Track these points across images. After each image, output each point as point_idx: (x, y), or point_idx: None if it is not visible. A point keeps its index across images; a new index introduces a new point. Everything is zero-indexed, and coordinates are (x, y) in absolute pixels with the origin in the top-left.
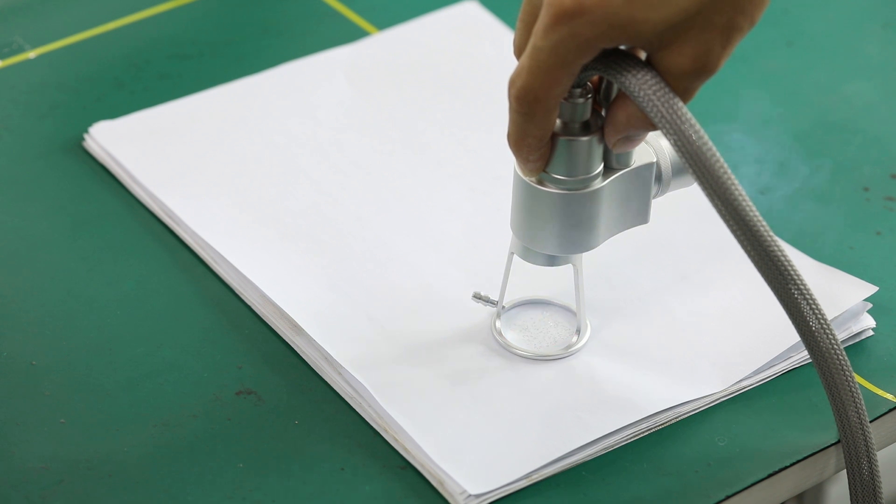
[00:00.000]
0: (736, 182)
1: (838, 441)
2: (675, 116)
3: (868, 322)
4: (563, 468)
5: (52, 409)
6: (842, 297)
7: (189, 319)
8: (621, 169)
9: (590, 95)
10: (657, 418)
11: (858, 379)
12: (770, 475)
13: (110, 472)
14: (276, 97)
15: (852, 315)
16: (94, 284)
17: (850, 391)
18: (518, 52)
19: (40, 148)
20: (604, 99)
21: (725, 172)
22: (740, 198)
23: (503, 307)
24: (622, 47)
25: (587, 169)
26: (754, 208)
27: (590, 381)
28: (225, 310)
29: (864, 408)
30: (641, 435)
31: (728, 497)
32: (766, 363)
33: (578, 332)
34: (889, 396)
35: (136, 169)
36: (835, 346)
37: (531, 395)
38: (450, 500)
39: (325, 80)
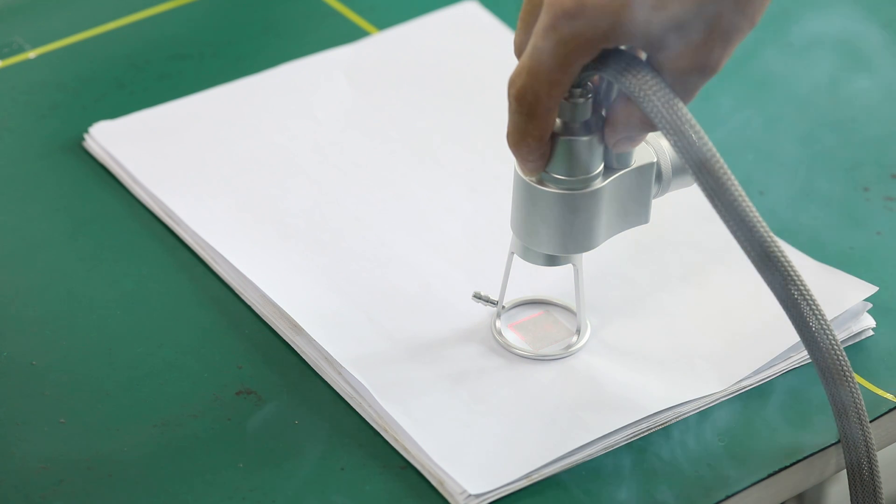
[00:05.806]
0: (736, 182)
1: (838, 441)
2: (675, 117)
3: (868, 322)
4: (563, 468)
5: (52, 409)
6: (842, 297)
7: (189, 319)
8: (621, 169)
9: (590, 95)
10: (657, 418)
11: (858, 379)
12: (770, 475)
13: (110, 472)
14: (276, 97)
15: (852, 315)
16: (94, 284)
17: (850, 391)
18: (518, 52)
19: (40, 148)
20: (604, 99)
21: (725, 172)
22: (740, 198)
23: (503, 307)
24: (622, 47)
25: (587, 169)
26: (754, 208)
27: (590, 381)
28: (225, 310)
29: (864, 408)
30: (641, 435)
31: (728, 497)
32: (766, 363)
33: (578, 332)
34: (889, 396)
35: (136, 169)
36: (835, 346)
37: (531, 395)
38: (450, 500)
39: (325, 80)
